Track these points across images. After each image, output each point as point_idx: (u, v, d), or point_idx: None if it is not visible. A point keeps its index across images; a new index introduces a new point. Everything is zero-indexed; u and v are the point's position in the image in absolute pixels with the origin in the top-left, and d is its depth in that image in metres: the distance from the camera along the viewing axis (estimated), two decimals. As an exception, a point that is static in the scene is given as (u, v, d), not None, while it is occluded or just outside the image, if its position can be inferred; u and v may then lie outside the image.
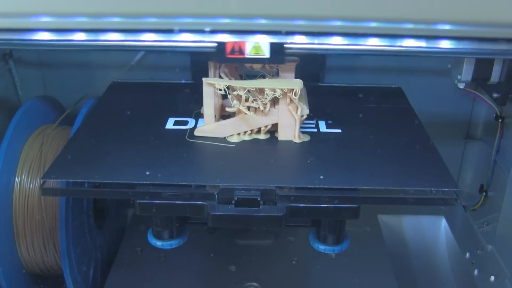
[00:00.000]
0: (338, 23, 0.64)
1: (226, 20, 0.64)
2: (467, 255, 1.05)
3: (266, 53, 0.69)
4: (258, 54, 0.69)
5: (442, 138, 1.18)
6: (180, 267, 0.95)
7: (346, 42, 0.67)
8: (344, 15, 0.63)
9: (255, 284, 0.92)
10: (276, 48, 0.68)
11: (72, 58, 1.18)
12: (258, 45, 0.68)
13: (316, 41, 0.67)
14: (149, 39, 0.68)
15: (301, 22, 0.64)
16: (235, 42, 0.68)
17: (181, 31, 0.67)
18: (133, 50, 0.71)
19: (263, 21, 0.64)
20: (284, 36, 0.67)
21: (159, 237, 0.77)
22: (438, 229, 1.17)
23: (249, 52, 0.69)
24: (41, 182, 0.70)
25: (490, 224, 1.09)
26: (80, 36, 0.67)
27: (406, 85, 1.02)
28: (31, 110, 0.95)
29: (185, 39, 0.68)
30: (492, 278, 0.97)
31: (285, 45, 0.68)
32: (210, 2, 0.63)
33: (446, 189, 0.67)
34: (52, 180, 0.70)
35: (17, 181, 0.88)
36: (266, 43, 0.68)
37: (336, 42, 0.67)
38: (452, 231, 1.13)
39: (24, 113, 0.92)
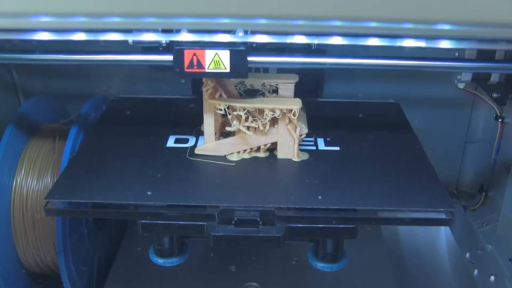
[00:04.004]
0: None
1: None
2: (467, 255, 1.05)
3: (227, 67, 0.69)
4: (217, 68, 0.69)
5: (442, 138, 1.18)
6: (180, 266, 0.95)
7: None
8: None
9: (255, 284, 0.92)
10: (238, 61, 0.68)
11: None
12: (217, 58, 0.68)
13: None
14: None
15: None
16: (194, 56, 0.68)
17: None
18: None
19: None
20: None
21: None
22: (438, 228, 1.16)
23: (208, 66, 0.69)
24: (45, 203, 0.71)
25: (490, 224, 1.09)
26: (79, 37, 0.68)
27: (406, 85, 1.02)
28: (31, 110, 0.95)
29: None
30: (492, 278, 0.97)
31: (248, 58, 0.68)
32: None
33: (441, 209, 0.69)
34: (55, 200, 0.71)
35: (16, 181, 0.88)
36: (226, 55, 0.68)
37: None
38: (452, 231, 1.13)
39: (24, 113, 0.92)
